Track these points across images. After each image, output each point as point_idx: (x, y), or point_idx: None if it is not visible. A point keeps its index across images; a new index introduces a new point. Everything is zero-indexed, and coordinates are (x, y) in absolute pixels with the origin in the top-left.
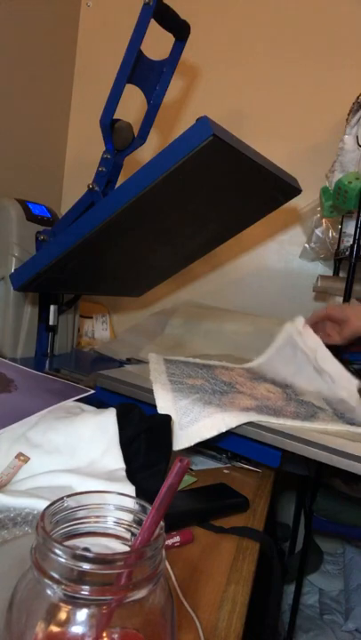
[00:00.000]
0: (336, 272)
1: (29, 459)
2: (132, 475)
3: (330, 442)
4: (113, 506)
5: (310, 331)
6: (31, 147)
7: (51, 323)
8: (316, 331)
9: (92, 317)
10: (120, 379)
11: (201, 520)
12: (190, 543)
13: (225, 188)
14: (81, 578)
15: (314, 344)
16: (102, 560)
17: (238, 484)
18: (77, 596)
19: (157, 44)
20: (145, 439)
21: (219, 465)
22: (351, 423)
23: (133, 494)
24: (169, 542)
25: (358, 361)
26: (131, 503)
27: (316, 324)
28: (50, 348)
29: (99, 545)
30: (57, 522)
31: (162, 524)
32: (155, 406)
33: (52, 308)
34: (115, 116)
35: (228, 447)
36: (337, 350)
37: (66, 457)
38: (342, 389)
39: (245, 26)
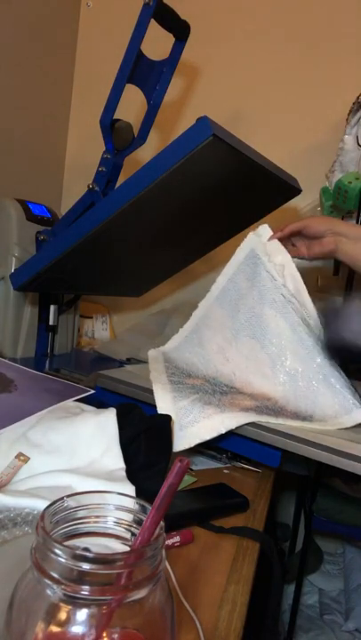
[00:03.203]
0: (336, 272)
1: (29, 459)
2: (132, 475)
3: (330, 442)
4: (113, 506)
5: (278, 244)
6: (31, 147)
7: (51, 323)
8: (285, 243)
9: (92, 317)
10: (120, 379)
11: (201, 520)
12: (190, 543)
13: (225, 188)
14: (81, 578)
15: (280, 260)
16: (102, 560)
17: (238, 483)
18: (77, 596)
19: (157, 44)
20: (145, 439)
21: (219, 465)
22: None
23: (133, 494)
24: (169, 542)
25: None
26: (131, 503)
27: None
28: (50, 348)
29: (99, 545)
30: (57, 522)
31: (162, 523)
32: (155, 406)
33: (52, 308)
34: (115, 116)
35: (229, 447)
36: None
37: (66, 457)
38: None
39: (245, 26)
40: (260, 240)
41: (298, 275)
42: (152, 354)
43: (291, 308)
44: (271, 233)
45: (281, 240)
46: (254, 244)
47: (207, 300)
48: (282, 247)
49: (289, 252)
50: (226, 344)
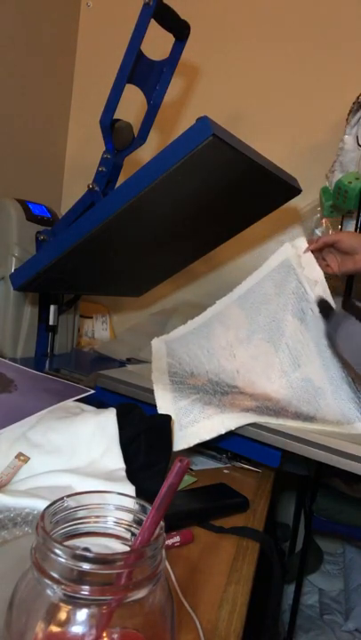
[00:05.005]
0: None
1: (29, 459)
2: (132, 475)
3: (330, 442)
4: (113, 506)
5: (313, 258)
6: (31, 147)
7: (51, 323)
8: (316, 257)
9: (92, 317)
10: (120, 379)
11: (201, 520)
12: (190, 543)
13: (225, 188)
14: (81, 578)
15: (315, 276)
16: (102, 560)
17: (238, 484)
18: (77, 596)
19: (157, 43)
20: (145, 439)
21: (219, 465)
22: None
23: (133, 494)
24: (169, 542)
25: None
26: (131, 503)
27: (320, 251)
28: (50, 348)
29: (99, 545)
30: (57, 522)
31: (162, 523)
32: (155, 406)
33: (52, 308)
34: (115, 116)
35: (229, 447)
36: None
37: (66, 457)
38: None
39: (245, 26)
40: (295, 252)
41: (328, 292)
42: (155, 344)
43: (317, 323)
44: (307, 246)
45: (313, 252)
46: (290, 254)
47: (228, 298)
48: (316, 263)
49: (320, 265)
50: (236, 342)
